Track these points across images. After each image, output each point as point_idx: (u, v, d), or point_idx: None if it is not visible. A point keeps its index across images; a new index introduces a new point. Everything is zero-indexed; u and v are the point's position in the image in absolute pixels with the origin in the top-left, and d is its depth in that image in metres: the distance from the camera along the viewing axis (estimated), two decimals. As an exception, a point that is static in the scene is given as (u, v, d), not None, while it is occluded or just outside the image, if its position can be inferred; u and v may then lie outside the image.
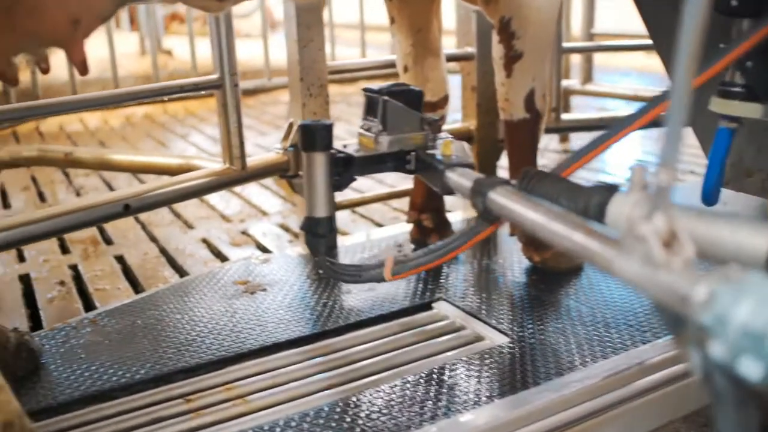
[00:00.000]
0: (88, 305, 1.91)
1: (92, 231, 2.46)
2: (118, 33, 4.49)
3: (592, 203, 0.83)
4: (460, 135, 2.26)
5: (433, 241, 1.93)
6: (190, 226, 2.54)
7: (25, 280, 2.08)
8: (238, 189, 2.98)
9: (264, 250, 2.25)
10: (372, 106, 1.40)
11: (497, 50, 1.61)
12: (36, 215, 1.51)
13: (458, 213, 2.18)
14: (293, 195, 2.74)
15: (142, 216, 2.64)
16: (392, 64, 2.11)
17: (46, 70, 1.25)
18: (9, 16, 1.04)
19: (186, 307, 1.65)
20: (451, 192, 1.28)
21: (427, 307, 1.64)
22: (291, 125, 1.95)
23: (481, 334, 1.50)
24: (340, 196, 2.10)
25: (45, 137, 4.46)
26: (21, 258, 2.26)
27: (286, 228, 2.45)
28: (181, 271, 2.13)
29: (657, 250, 0.64)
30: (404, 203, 2.57)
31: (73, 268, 2.17)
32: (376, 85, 1.44)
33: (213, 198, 2.86)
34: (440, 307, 1.63)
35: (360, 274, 1.38)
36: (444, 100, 1.87)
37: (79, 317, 1.64)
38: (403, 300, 1.64)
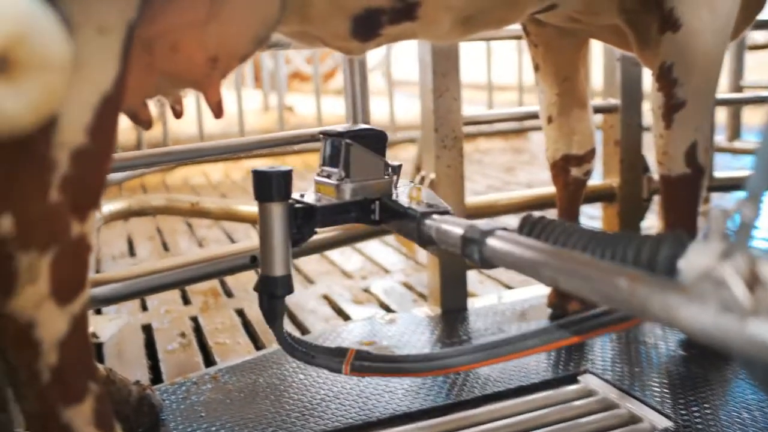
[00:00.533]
0: (208, 359, 1.85)
1: (213, 282, 2.43)
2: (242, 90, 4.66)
3: (661, 255, 0.68)
4: (601, 192, 2.10)
5: (573, 307, 1.76)
6: (310, 281, 2.48)
7: (147, 330, 2.06)
8: (359, 245, 2.91)
9: (387, 309, 2.15)
10: (333, 150, 1.22)
11: (656, 99, 1.47)
12: (163, 265, 1.47)
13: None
14: (416, 252, 2.63)
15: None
16: (531, 116, 1.99)
17: (179, 114, 1.20)
18: (148, 55, 0.99)
19: (309, 367, 1.55)
20: (430, 242, 1.08)
21: (572, 379, 1.47)
22: (422, 178, 1.86)
23: (637, 415, 1.32)
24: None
25: (170, 189, 4.58)
26: (144, 307, 2.25)
27: (409, 286, 2.34)
28: (301, 327, 2.05)
29: (743, 295, 0.54)
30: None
31: (194, 319, 2.13)
32: (337, 126, 1.28)
33: (333, 253, 2.80)
34: (587, 381, 1.46)
35: (314, 356, 1.17)
36: (591, 154, 1.73)
37: (200, 372, 1.57)
38: (545, 371, 1.49)
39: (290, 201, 1.13)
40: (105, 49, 0.82)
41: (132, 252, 3.02)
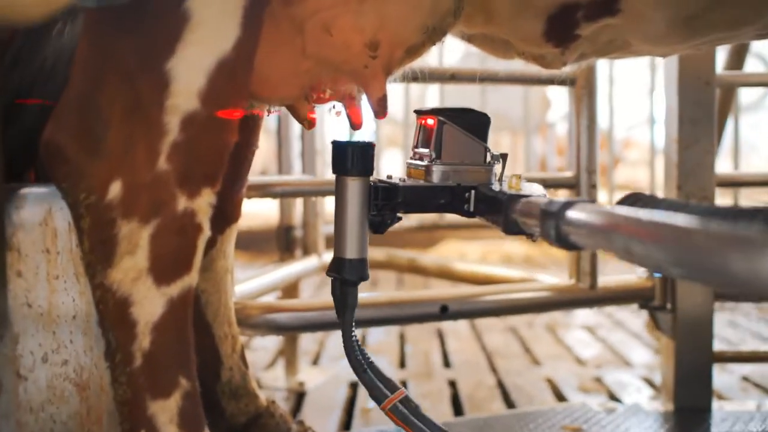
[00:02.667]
0: (403, 422, 1.70)
1: (428, 352, 2.32)
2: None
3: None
4: None
5: None
6: (537, 363, 2.24)
7: (355, 386, 1.98)
8: (603, 333, 2.60)
9: (616, 401, 1.84)
10: (426, 131, 1.06)
11: None
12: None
13: None
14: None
15: (490, 344, 2.42)
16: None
17: (357, 125, 1.12)
18: (299, 37, 0.93)
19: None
20: (516, 231, 0.91)
21: None
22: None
23: None
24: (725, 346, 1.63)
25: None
26: (360, 365, 2.19)
27: (650, 382, 2.00)
28: (511, 406, 1.83)
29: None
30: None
31: (403, 383, 2.01)
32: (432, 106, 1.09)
33: (568, 337, 2.54)
34: None
35: (367, 372, 1.02)
36: None
37: (373, 429, 1.44)
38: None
39: (372, 179, 1.00)
40: (224, 11, 0.77)
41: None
